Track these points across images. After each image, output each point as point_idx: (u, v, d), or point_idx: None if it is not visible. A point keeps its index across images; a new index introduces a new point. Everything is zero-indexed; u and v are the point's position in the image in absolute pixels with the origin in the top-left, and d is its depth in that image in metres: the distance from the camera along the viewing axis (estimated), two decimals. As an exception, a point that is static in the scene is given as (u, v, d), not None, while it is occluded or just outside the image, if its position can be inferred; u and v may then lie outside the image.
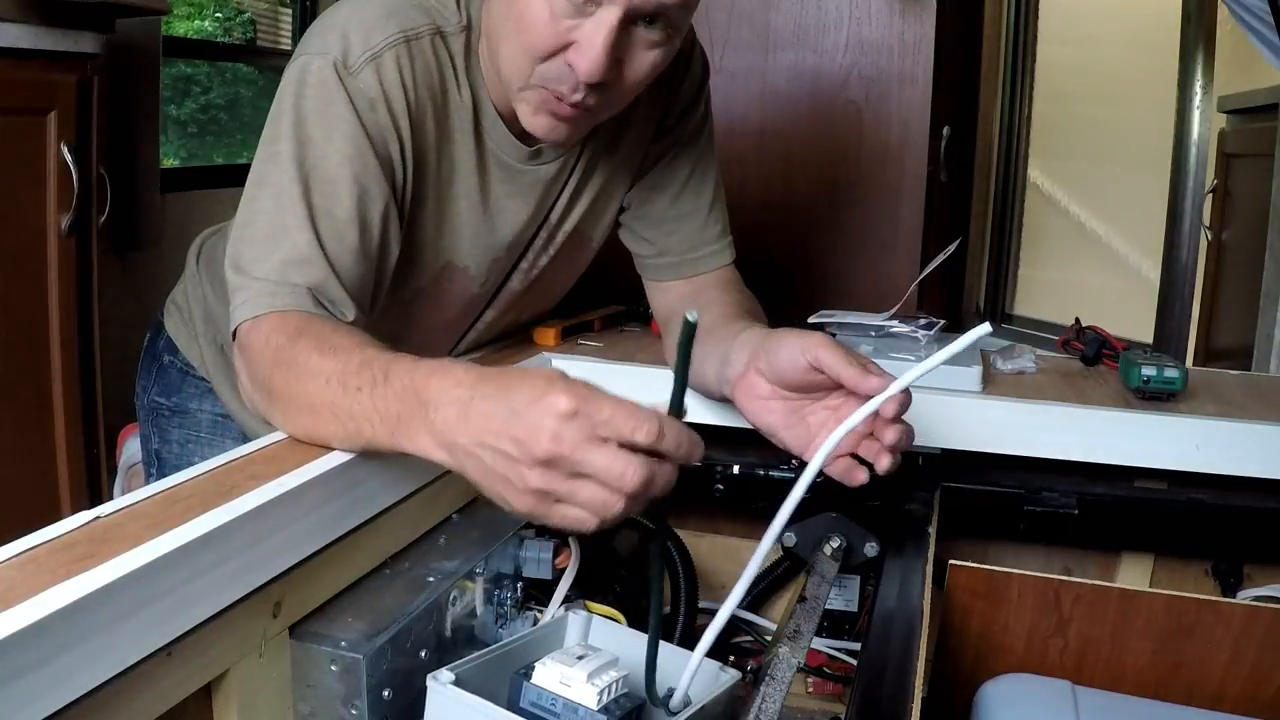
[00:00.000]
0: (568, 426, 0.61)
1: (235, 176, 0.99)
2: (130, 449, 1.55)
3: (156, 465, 1.21)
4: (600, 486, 0.61)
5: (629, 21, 0.83)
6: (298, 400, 0.76)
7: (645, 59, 0.88)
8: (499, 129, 0.98)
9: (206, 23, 3.74)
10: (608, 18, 0.82)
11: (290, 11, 3.30)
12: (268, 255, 0.84)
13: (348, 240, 0.87)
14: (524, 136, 0.99)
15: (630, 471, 0.60)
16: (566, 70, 0.85)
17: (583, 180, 1.07)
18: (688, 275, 1.12)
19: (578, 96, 0.86)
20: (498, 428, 0.63)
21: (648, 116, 1.08)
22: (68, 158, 1.60)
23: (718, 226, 1.13)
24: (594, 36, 0.82)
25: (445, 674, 0.67)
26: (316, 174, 0.86)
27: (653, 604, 0.70)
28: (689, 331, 0.60)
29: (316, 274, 0.84)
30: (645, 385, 1.13)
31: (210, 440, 1.17)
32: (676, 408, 0.64)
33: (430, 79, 0.92)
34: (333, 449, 0.76)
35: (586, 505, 0.62)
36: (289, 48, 3.33)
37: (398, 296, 1.01)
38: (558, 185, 1.05)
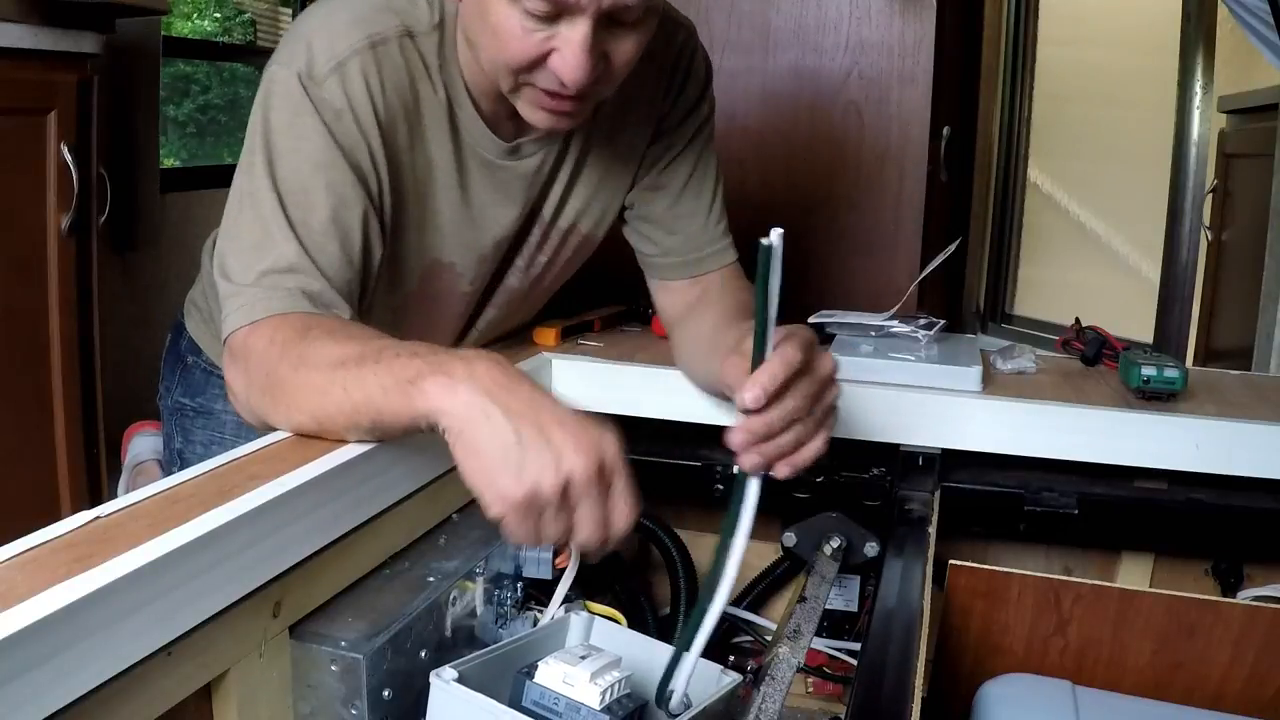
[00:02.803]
0: (618, 460, 0.66)
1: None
2: (137, 447, 1.55)
3: (179, 465, 1.21)
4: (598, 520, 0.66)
5: (602, 22, 0.83)
6: (308, 386, 0.75)
7: (628, 42, 0.87)
8: (477, 125, 0.98)
9: (206, 22, 3.74)
10: (581, 26, 0.81)
11: (290, 11, 3.31)
12: (254, 265, 0.84)
13: (328, 249, 0.87)
14: (500, 131, 0.99)
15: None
16: (553, 75, 0.85)
17: (574, 176, 1.07)
18: (692, 275, 1.12)
19: (570, 92, 0.86)
20: (551, 418, 0.65)
21: (647, 116, 1.08)
22: (68, 158, 1.60)
23: (719, 226, 1.13)
24: (571, 46, 0.82)
25: (448, 671, 0.67)
26: (290, 185, 0.87)
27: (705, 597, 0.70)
28: (765, 259, 0.61)
29: (305, 281, 0.85)
30: (645, 384, 1.13)
31: (234, 442, 1.16)
32: (758, 352, 0.68)
33: (399, 82, 0.92)
34: (336, 440, 0.76)
35: (585, 526, 0.66)
36: (289, 48, 3.33)
37: (389, 302, 1.01)
38: (541, 179, 1.04)
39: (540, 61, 0.84)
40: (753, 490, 0.70)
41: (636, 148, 1.09)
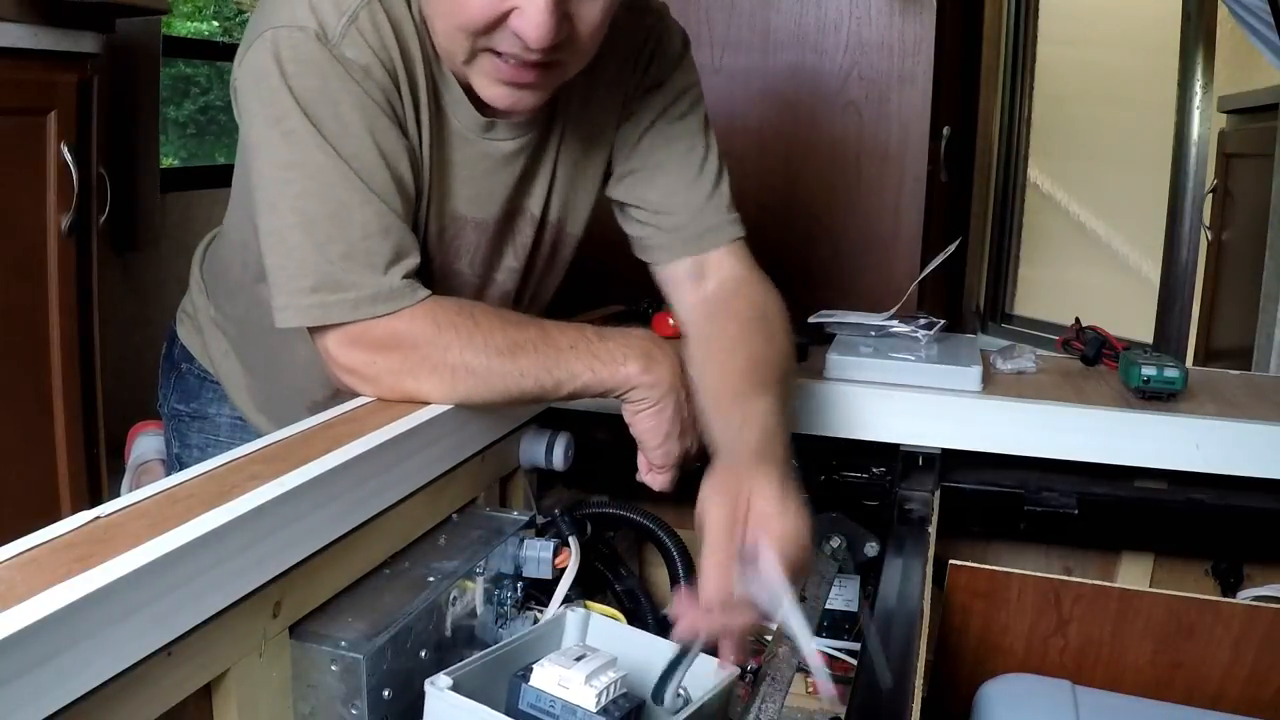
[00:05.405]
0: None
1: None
2: (141, 447, 1.55)
3: (178, 469, 1.21)
4: None
5: None
6: (505, 367, 0.86)
7: (593, 6, 0.83)
8: (455, 93, 0.93)
9: (204, 25, 3.74)
10: None
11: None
12: (342, 235, 0.84)
13: (395, 205, 0.88)
14: (480, 105, 0.94)
15: None
16: (514, 36, 0.81)
17: (555, 168, 1.03)
18: (687, 254, 1.05)
19: (534, 58, 0.83)
20: (688, 402, 0.93)
21: (612, 99, 1.03)
22: (68, 158, 1.60)
23: (712, 203, 1.05)
24: (534, 2, 0.78)
25: (443, 679, 0.67)
26: (347, 149, 0.85)
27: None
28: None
29: (398, 238, 0.87)
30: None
31: (229, 444, 1.16)
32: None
33: (401, 36, 0.88)
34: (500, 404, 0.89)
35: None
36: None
37: None
38: (518, 169, 0.99)
39: (500, 22, 0.81)
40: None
41: (606, 133, 1.04)
